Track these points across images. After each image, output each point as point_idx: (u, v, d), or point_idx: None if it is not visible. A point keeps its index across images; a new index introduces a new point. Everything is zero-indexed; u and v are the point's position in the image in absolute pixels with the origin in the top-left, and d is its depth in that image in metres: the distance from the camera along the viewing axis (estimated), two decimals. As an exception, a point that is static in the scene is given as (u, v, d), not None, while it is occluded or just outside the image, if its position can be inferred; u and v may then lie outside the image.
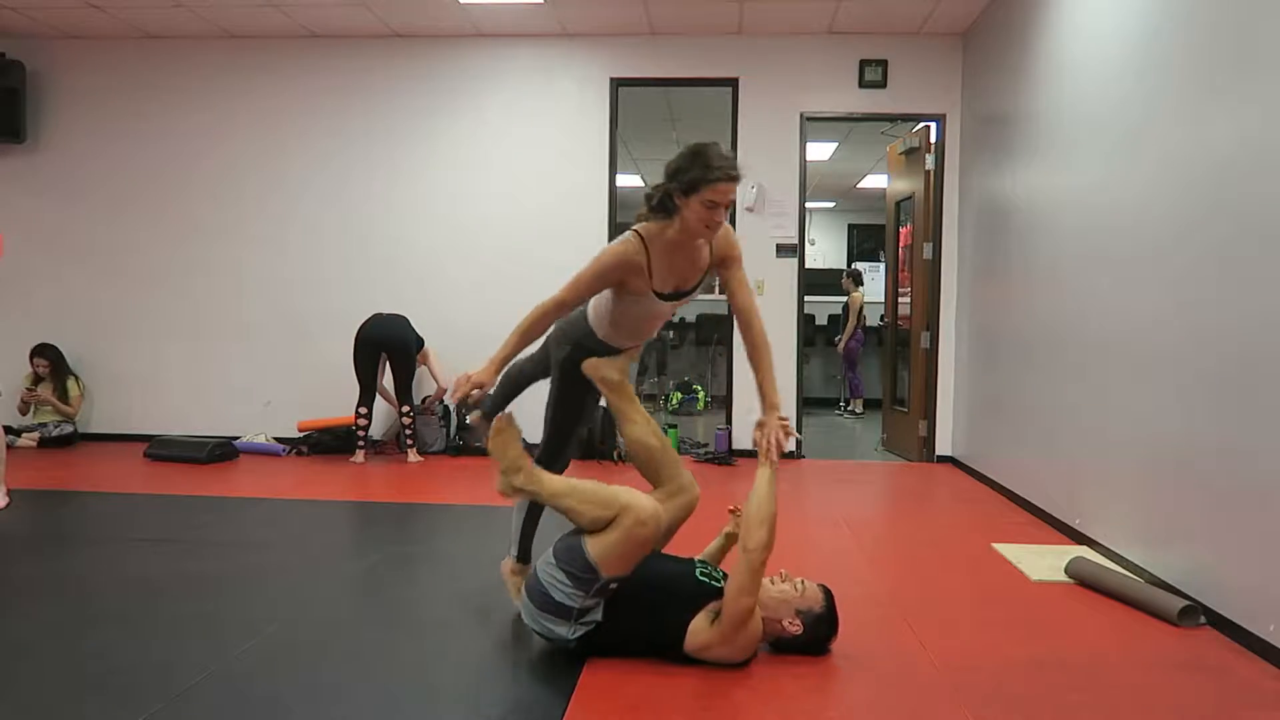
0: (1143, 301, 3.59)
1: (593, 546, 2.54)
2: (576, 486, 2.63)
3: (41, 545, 3.95)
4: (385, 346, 6.17)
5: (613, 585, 2.56)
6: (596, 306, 2.86)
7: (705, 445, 6.68)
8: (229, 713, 2.30)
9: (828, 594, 2.71)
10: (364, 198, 6.75)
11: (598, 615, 2.58)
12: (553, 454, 3.02)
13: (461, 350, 6.63)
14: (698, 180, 2.52)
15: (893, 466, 6.49)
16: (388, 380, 6.34)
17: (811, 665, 2.64)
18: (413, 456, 6.25)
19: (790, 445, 2.69)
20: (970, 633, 2.97)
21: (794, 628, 2.63)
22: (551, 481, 2.67)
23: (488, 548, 4.05)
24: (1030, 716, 2.35)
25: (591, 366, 2.83)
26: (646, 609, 2.58)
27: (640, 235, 2.66)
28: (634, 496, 2.56)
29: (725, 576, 2.69)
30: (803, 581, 2.70)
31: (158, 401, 6.71)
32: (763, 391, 2.73)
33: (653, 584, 2.60)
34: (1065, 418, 4.37)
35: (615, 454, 6.33)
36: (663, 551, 2.81)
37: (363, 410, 6.16)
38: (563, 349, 2.95)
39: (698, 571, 2.68)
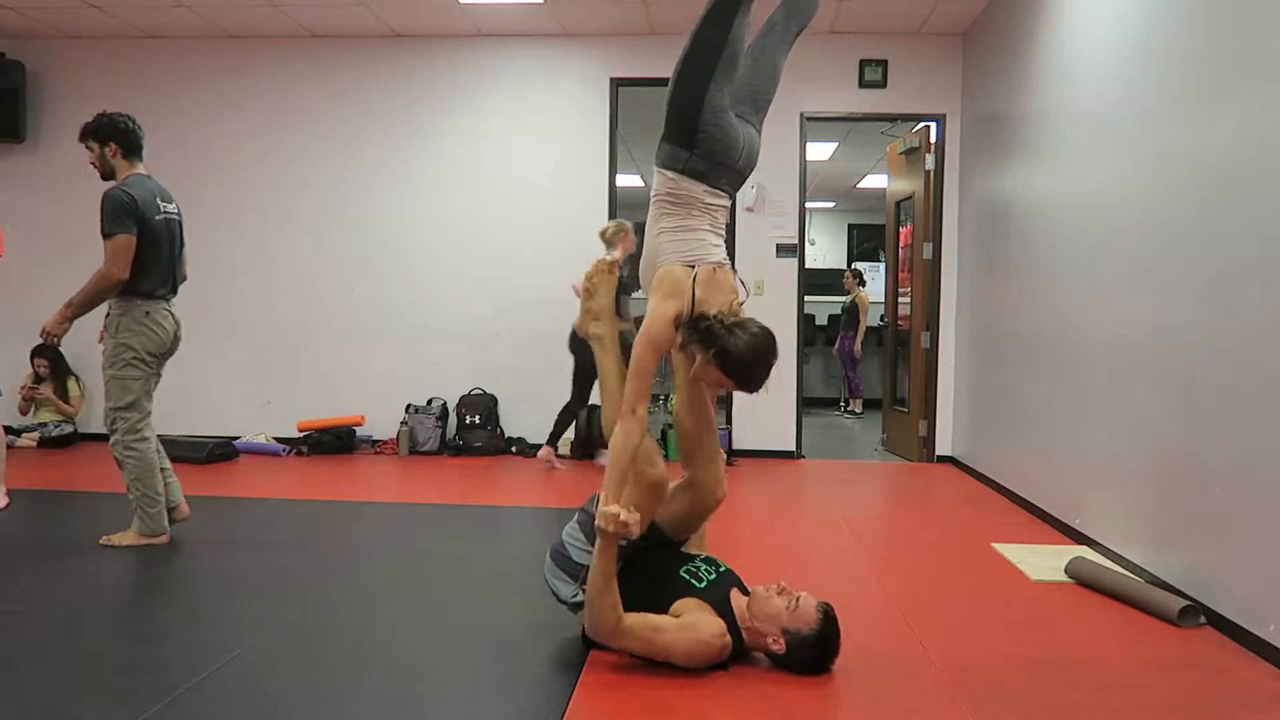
0: (1143, 301, 3.59)
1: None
2: (632, 372, 2.61)
3: (41, 545, 3.95)
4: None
5: (622, 543, 2.52)
6: (677, 202, 2.72)
7: (705, 445, 6.68)
8: (229, 713, 2.29)
9: (825, 616, 2.51)
10: (363, 197, 6.75)
11: None
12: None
13: (460, 349, 6.66)
14: (734, 381, 2.58)
15: (893, 466, 6.49)
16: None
17: (811, 665, 2.63)
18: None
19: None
20: (970, 633, 2.97)
21: (776, 646, 2.52)
22: (613, 348, 2.80)
23: (487, 547, 4.06)
24: (1030, 716, 2.35)
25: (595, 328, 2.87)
26: (636, 602, 2.54)
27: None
28: (649, 448, 2.57)
29: (713, 574, 2.64)
30: (799, 598, 2.52)
31: (158, 401, 6.62)
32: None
33: (638, 574, 2.58)
34: (1065, 418, 4.36)
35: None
36: (684, 551, 2.80)
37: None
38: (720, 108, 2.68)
39: (682, 569, 2.64)
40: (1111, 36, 3.97)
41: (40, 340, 3.91)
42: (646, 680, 2.49)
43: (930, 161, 6.53)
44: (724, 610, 2.56)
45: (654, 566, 2.66)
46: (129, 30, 6.64)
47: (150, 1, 6.06)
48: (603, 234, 5.66)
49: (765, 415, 6.58)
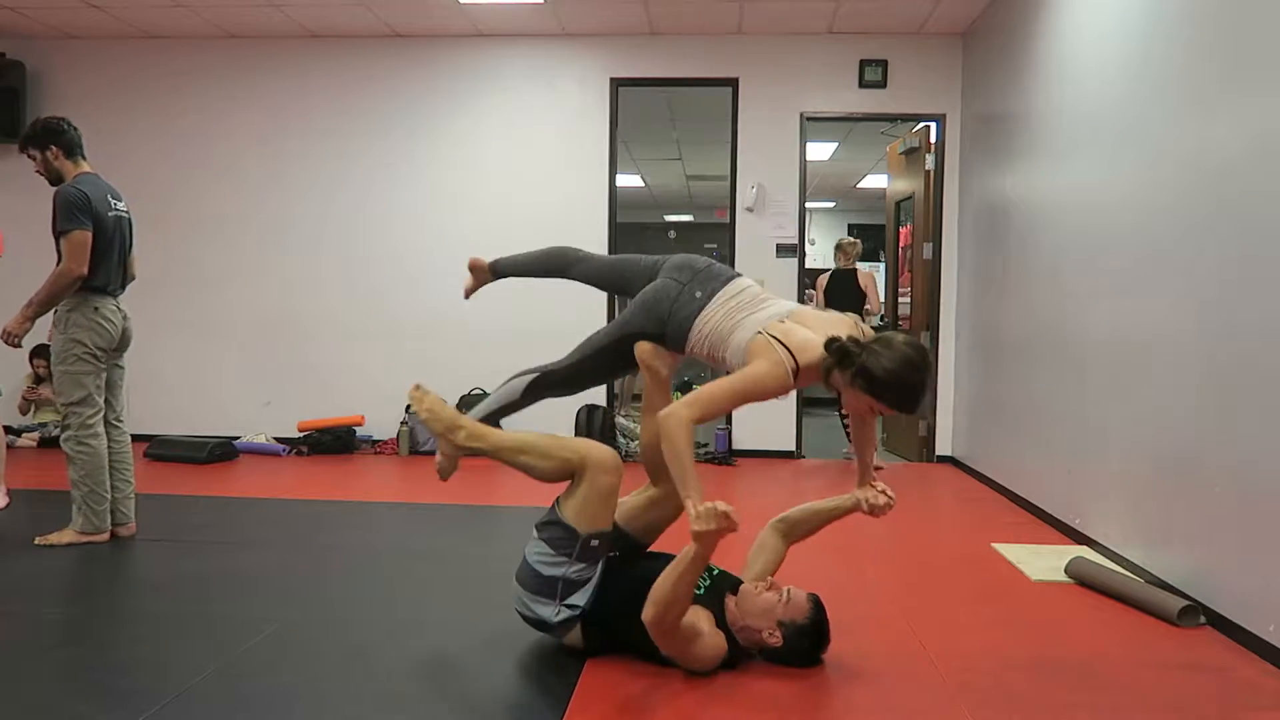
0: (1142, 301, 3.59)
1: (565, 507, 2.58)
2: (528, 440, 2.62)
3: (41, 545, 3.94)
4: None
5: (594, 542, 2.53)
6: (716, 334, 2.62)
7: (705, 445, 6.67)
8: (229, 713, 2.29)
9: (816, 605, 2.58)
10: (364, 197, 6.75)
11: (581, 600, 2.54)
12: (566, 380, 2.87)
13: (460, 351, 6.65)
14: (886, 402, 2.37)
15: (893, 466, 6.49)
16: None
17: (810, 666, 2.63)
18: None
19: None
20: (970, 632, 2.97)
21: (773, 640, 2.54)
22: (500, 437, 2.67)
23: (487, 547, 4.06)
24: (1030, 716, 2.35)
25: (648, 352, 2.70)
26: (630, 610, 2.48)
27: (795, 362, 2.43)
28: (590, 447, 2.58)
29: (707, 579, 2.62)
30: (789, 590, 2.57)
31: (158, 401, 6.69)
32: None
33: (637, 586, 2.49)
34: (1065, 418, 4.36)
35: (615, 454, 6.32)
36: (653, 550, 2.79)
37: None
38: (642, 319, 2.73)
39: None
40: (1112, 36, 3.97)
41: (3, 343, 3.90)
42: (646, 680, 2.49)
43: (930, 161, 6.53)
44: (720, 620, 2.56)
45: (652, 576, 2.62)
46: (129, 30, 6.64)
47: (150, 1, 6.06)
48: (840, 246, 6.67)
49: (765, 415, 6.56)
